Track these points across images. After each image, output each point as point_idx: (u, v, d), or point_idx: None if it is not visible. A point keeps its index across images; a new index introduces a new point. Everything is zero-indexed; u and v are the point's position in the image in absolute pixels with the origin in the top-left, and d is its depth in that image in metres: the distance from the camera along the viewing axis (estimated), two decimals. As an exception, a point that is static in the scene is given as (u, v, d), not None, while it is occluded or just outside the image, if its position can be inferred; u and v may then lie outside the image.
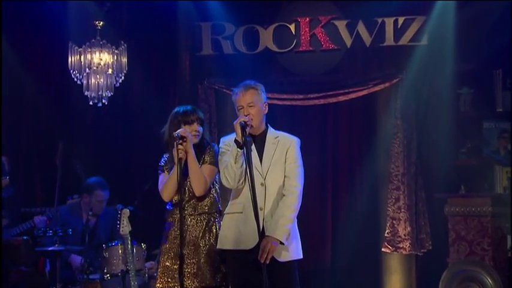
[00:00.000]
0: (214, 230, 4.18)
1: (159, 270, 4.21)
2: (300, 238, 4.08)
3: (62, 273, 5.60)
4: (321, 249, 6.82)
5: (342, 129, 6.96)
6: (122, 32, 6.76)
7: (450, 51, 6.48)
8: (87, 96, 6.07)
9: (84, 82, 6.04)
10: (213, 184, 4.22)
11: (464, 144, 6.61)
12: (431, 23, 6.59)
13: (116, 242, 5.49)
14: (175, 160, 4.00)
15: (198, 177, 4.09)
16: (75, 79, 6.05)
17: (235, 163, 3.88)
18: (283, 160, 4.01)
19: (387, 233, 6.64)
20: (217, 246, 4.10)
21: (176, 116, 4.21)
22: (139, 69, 6.89)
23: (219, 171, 4.12)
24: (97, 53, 6.01)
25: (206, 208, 4.18)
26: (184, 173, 4.06)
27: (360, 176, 6.83)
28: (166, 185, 4.12)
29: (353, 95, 6.79)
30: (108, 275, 5.39)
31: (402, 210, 6.60)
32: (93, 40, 6.03)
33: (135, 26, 7.00)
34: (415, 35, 6.67)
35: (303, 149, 4.12)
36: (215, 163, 4.15)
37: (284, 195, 3.98)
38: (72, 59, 5.99)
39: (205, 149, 4.20)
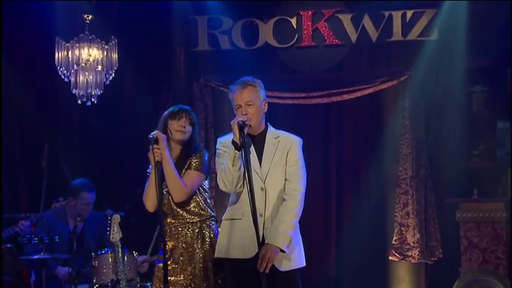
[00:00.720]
0: (208, 238, 4.20)
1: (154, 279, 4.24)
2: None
3: (48, 284, 5.56)
4: (324, 257, 6.81)
5: (347, 130, 6.96)
6: (112, 26, 6.75)
7: (462, 46, 6.48)
8: (75, 94, 6.06)
9: (72, 79, 6.03)
10: (199, 191, 4.24)
11: (476, 145, 6.60)
12: (441, 17, 6.59)
13: (106, 249, 5.47)
14: (152, 164, 4.05)
15: (174, 181, 4.11)
16: (62, 76, 6.04)
17: (232, 166, 3.86)
18: (284, 162, 3.99)
19: (395, 240, 6.64)
20: (215, 255, 4.09)
21: (165, 115, 4.28)
22: (130, 66, 6.88)
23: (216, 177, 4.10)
24: (86, 49, 6.00)
25: (195, 216, 4.21)
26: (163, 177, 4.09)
27: (365, 179, 6.82)
28: (147, 192, 4.18)
29: (358, 94, 6.79)
30: (97, 285, 5.37)
31: (411, 216, 6.59)
32: (82, 35, 6.02)
33: (126, 20, 7.00)
34: (424, 29, 6.67)
35: (305, 151, 4.11)
36: (202, 169, 4.18)
37: (285, 199, 3.96)
38: (59, 55, 5.98)
39: (192, 153, 4.22)
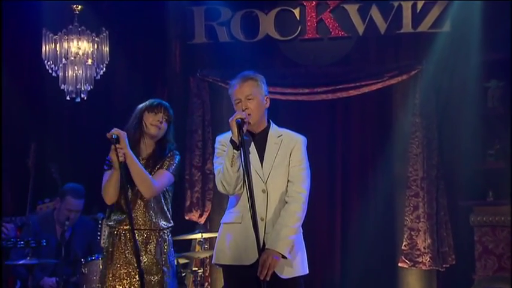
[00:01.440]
0: (165, 249, 4.21)
1: None
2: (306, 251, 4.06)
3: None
4: (328, 264, 6.82)
5: (353, 128, 6.96)
6: (103, 17, 6.76)
7: (476, 38, 6.48)
8: (63, 90, 6.07)
9: (60, 74, 6.04)
10: (163, 195, 4.24)
11: (492, 144, 6.60)
12: (454, 7, 6.59)
13: (97, 256, 5.46)
14: (116, 165, 4.04)
15: (142, 178, 4.10)
16: (50, 71, 6.05)
17: (231, 166, 3.84)
18: (286, 162, 3.98)
19: (404, 245, 6.64)
20: (213, 261, 4.08)
21: (141, 107, 4.29)
22: (122, 60, 6.89)
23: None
24: (75, 41, 6.01)
25: (154, 223, 4.21)
26: (129, 179, 4.08)
27: (373, 180, 6.83)
28: (107, 190, 4.17)
29: (366, 89, 6.79)
30: (86, 294, 5.38)
31: (421, 219, 6.60)
32: (71, 26, 6.03)
33: (118, 11, 6.99)
34: (436, 20, 6.67)
35: (309, 150, 4.10)
36: (172, 171, 4.20)
37: (287, 202, 3.95)
38: (46, 48, 5.98)
39: (166, 154, 4.23)
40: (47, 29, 6.00)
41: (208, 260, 6.57)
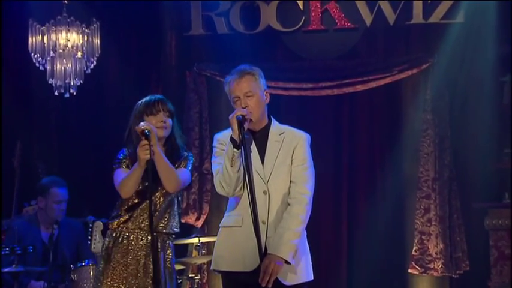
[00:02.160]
0: (168, 255, 4.21)
1: None
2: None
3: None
4: (334, 269, 6.81)
5: (360, 126, 6.96)
6: (93, 8, 6.74)
7: (491, 30, 6.47)
8: (51, 85, 6.07)
9: (48, 68, 6.05)
10: (177, 197, 4.24)
11: (508, 143, 6.57)
12: (468, -3, 6.59)
13: (87, 261, 5.49)
14: (142, 163, 3.97)
15: (169, 172, 4.07)
16: (37, 64, 6.05)
17: (231, 166, 3.84)
18: (289, 161, 3.98)
19: (415, 250, 6.63)
20: (212, 267, 4.08)
21: (138, 107, 4.23)
22: (114, 53, 6.91)
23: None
24: (63, 33, 6.02)
25: (164, 226, 4.20)
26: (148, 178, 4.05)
27: (381, 181, 6.83)
28: (126, 183, 4.10)
29: (373, 84, 6.78)
30: (76, 302, 5.38)
31: (433, 223, 6.59)
32: (59, 17, 6.04)
33: (109, 0, 6.95)
34: (448, 11, 6.66)
35: (313, 149, 4.09)
36: (189, 169, 4.19)
37: (289, 204, 3.95)
38: (33, 40, 5.99)
39: (181, 156, 4.21)
40: (33, 19, 6.01)
41: (206, 266, 6.56)
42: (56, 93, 6.11)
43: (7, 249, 5.42)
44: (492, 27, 6.46)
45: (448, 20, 6.65)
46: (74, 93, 6.09)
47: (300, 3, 6.87)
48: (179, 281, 5.85)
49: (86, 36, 6.06)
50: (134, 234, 4.18)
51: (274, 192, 3.94)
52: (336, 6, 6.83)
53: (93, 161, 7.05)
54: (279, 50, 7.00)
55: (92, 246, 5.35)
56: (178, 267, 5.96)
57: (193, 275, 6.13)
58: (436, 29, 6.69)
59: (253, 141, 3.99)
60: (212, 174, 4.07)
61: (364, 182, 6.92)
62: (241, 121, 3.82)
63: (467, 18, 6.60)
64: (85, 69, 6.11)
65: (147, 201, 4.06)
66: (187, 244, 6.29)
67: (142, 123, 4.02)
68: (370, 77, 6.76)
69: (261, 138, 4.02)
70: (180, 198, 4.30)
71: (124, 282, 4.15)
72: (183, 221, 6.86)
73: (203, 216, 6.91)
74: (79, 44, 6.04)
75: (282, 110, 6.54)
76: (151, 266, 3.97)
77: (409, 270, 6.63)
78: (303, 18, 6.87)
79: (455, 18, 6.63)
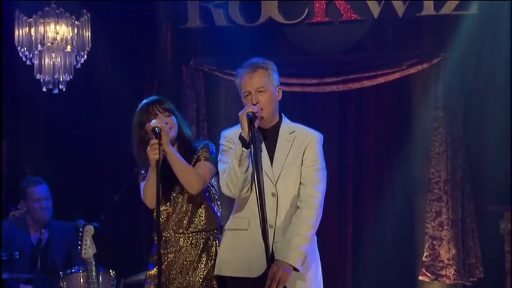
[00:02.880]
0: (214, 252, 4.17)
1: None
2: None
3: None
4: (339, 276, 6.80)
5: (367, 124, 6.95)
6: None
7: (507, 22, 6.45)
8: (39, 80, 6.05)
9: (36, 62, 6.04)
10: (208, 190, 4.19)
11: (524, 142, 6.58)
12: (482, -13, 6.60)
13: (77, 268, 5.49)
14: (152, 164, 3.95)
15: (187, 172, 4.05)
16: (24, 58, 6.05)
17: (239, 166, 3.84)
18: (299, 162, 3.99)
19: (426, 256, 6.63)
20: (215, 272, 4.09)
21: (134, 118, 4.19)
22: (106, 46, 6.90)
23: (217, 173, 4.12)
24: (52, 25, 6.01)
25: (202, 224, 4.18)
26: (168, 178, 4.03)
27: (389, 183, 6.81)
28: (147, 191, 4.08)
29: (381, 79, 6.79)
30: (66, 311, 5.39)
31: (445, 227, 6.59)
32: (47, 8, 6.03)
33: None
34: (461, 2, 6.64)
35: (320, 149, 4.11)
36: (212, 160, 4.14)
37: (299, 207, 3.95)
38: (19, 33, 5.98)
39: (195, 152, 4.18)
40: (20, 11, 6.00)
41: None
42: (44, 90, 6.10)
43: (-7, 255, 5.42)
44: (507, 20, 6.46)
45: (461, 11, 6.64)
46: (64, 90, 6.09)
47: (304, -6, 6.89)
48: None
49: (76, 29, 6.06)
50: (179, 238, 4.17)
51: (283, 194, 3.95)
52: (341, -3, 6.85)
53: (83, 161, 7.07)
54: (281, 44, 7.00)
55: (83, 252, 5.32)
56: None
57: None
58: (448, 21, 6.67)
59: (262, 141, 4.00)
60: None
61: (371, 184, 6.93)
62: (251, 119, 3.82)
63: (481, 9, 6.59)
64: (75, 63, 6.11)
65: (174, 205, 4.14)
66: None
67: (154, 121, 3.99)
68: (378, 72, 6.75)
69: (271, 137, 4.03)
70: (212, 189, 4.23)
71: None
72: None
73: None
74: (69, 37, 6.03)
75: (285, 107, 6.45)
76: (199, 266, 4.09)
77: (420, 278, 6.63)
78: (307, 10, 6.86)
79: (469, 9, 6.62)
